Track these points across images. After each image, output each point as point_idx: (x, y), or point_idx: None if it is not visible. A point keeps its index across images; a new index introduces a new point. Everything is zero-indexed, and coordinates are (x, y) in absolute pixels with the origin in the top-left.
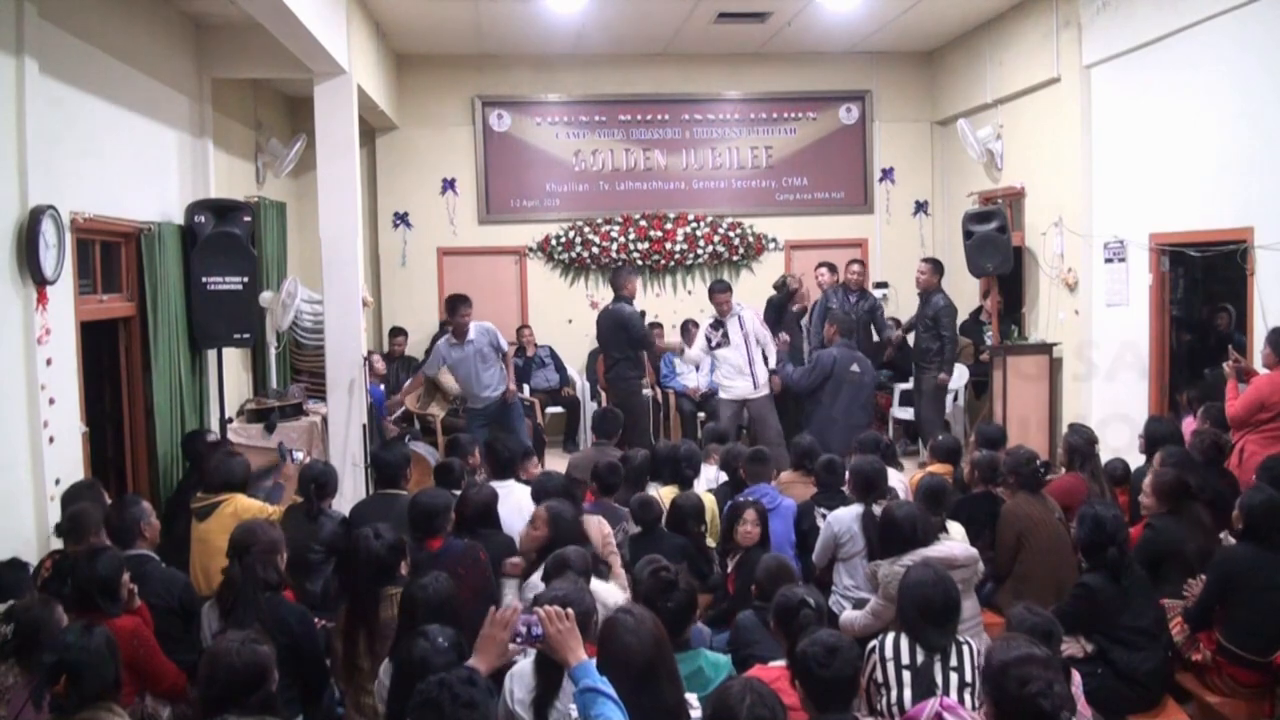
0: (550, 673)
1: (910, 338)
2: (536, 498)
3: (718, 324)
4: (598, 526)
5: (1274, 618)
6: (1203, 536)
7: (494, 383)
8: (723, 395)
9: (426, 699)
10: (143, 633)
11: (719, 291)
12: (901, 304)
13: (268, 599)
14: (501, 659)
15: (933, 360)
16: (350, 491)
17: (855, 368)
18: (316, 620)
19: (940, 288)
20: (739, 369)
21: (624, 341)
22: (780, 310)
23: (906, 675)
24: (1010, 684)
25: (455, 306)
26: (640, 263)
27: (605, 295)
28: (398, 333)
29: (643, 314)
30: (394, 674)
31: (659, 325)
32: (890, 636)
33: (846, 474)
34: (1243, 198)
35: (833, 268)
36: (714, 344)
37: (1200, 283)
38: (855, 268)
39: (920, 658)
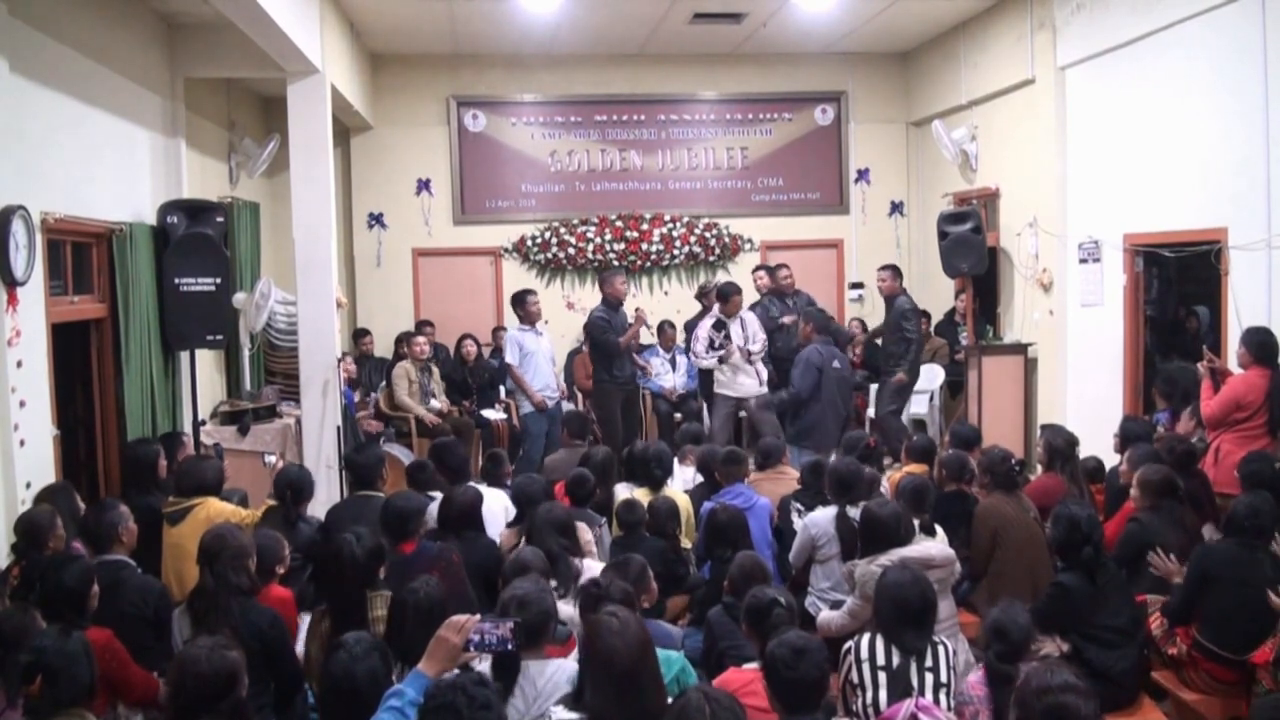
0: (506, 677)
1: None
2: (518, 501)
3: (720, 325)
4: (581, 532)
5: (1250, 614)
6: (1185, 535)
7: (554, 383)
8: (721, 391)
9: (441, 704)
10: (114, 646)
11: (734, 294)
12: (877, 303)
13: (239, 604)
14: (452, 664)
15: (899, 363)
16: (324, 494)
17: (836, 363)
18: None
19: (904, 290)
20: (740, 367)
21: (592, 345)
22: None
23: (882, 676)
24: (1039, 709)
25: (524, 297)
26: (616, 263)
27: (581, 296)
28: (363, 333)
29: (619, 305)
30: (321, 686)
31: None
32: (866, 638)
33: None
34: (1216, 198)
35: (772, 271)
36: (717, 345)
37: (1174, 283)
38: (784, 272)
39: (896, 659)
